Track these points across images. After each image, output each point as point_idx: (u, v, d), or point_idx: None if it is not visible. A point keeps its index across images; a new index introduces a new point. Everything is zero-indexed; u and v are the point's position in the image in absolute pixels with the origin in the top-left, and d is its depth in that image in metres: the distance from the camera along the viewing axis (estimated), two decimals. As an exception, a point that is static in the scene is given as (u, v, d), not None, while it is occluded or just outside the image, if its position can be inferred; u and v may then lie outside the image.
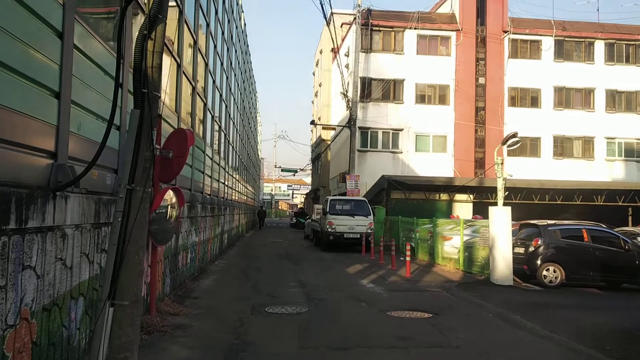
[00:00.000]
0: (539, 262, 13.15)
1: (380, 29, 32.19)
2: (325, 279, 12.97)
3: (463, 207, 25.95)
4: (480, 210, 24.62)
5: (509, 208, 12.53)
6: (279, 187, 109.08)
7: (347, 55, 34.81)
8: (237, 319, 8.12)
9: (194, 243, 12.26)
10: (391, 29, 32.31)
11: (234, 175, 24.93)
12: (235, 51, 24.42)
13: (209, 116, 15.59)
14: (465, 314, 8.88)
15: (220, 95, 18.47)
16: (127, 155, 4.63)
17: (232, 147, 23.84)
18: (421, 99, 32.43)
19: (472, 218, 20.88)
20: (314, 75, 56.16)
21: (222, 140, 19.96)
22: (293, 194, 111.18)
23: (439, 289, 11.57)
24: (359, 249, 20.29)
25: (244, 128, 31.44)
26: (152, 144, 4.71)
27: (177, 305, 8.73)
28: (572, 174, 31.12)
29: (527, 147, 32.93)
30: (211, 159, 15.99)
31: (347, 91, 28.87)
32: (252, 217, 43.90)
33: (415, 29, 32.07)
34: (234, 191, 24.75)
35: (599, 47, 33.49)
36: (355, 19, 30.26)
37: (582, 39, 33.38)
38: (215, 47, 16.44)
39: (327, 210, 20.66)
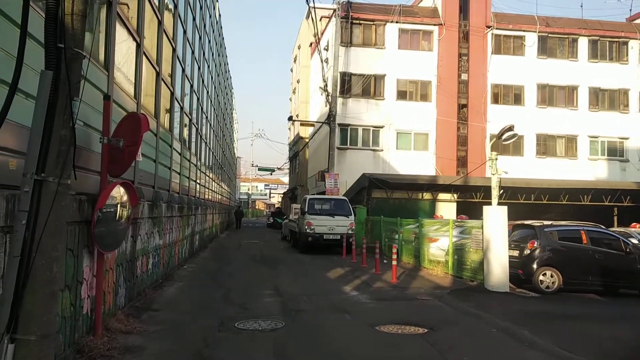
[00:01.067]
0: (535, 266, 12.18)
1: (361, 22, 31.09)
2: (303, 285, 11.78)
3: (446, 207, 24.99)
4: (465, 210, 23.73)
5: (505, 208, 11.49)
6: (256, 187, 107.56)
7: (326, 49, 33.60)
8: (201, 337, 6.88)
9: (157, 246, 10.96)
10: (372, 23, 31.24)
11: (207, 173, 23.58)
12: (209, 41, 23.07)
13: (177, 107, 14.28)
14: (466, 329, 7.76)
15: (191, 86, 17.15)
16: (36, 134, 3.38)
17: (205, 143, 22.51)
18: (402, 95, 31.42)
19: (458, 218, 19.86)
20: (291, 72, 54.90)
21: (194, 135, 18.64)
22: (270, 193, 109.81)
23: (430, 296, 10.46)
24: (339, 251, 19.11)
25: (218, 124, 30.06)
26: (71, 119, 3.46)
27: (131, 321, 7.45)
28: (555, 173, 30.42)
29: (510, 145, 32.04)
30: (180, 154, 14.69)
31: (326, 86, 27.69)
32: (228, 217, 42.53)
33: (396, 22, 31.04)
34: (207, 190, 23.41)
35: (583, 44, 32.87)
36: (335, 11, 29.08)
37: (566, 36, 32.73)
38: (184, 32, 15.13)
39: (306, 209, 19.44)
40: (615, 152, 32.81)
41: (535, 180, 24.96)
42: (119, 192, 6.62)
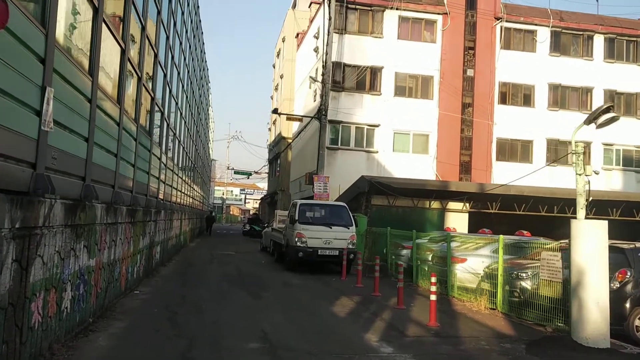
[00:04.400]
0: (628, 305, 8.70)
1: (357, 7, 27.54)
2: (304, 329, 8.03)
3: (457, 218, 21.45)
4: (478, 222, 20.26)
5: (604, 223, 7.90)
6: (231, 191, 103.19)
7: (316, 37, 29.97)
8: None
9: (82, 270, 7.09)
10: (369, 8, 27.71)
11: (176, 171, 19.64)
12: (182, 13, 19.23)
13: (133, 77, 10.48)
14: None
15: (156, 55, 13.28)
16: None
17: (174, 134, 18.62)
18: (401, 90, 27.94)
19: (479, 232, 16.35)
20: (274, 67, 51.08)
21: (159, 122, 14.83)
22: (246, 198, 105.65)
23: (504, 357, 6.80)
24: (337, 269, 15.45)
25: (192, 117, 26.09)
26: None
27: None
28: (566, 183, 27.12)
29: (518, 150, 29.01)
30: (135, 140, 10.85)
31: (323, 75, 24.02)
32: (200, 223, 38.68)
33: (396, 9, 27.60)
34: (174, 190, 19.44)
35: (599, 42, 29.88)
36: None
37: (581, 32, 29.69)
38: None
39: (297, 218, 15.59)
40: (630, 162, 29.86)
41: (561, 189, 21.60)
42: None
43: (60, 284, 6.16)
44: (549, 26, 29.13)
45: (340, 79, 26.96)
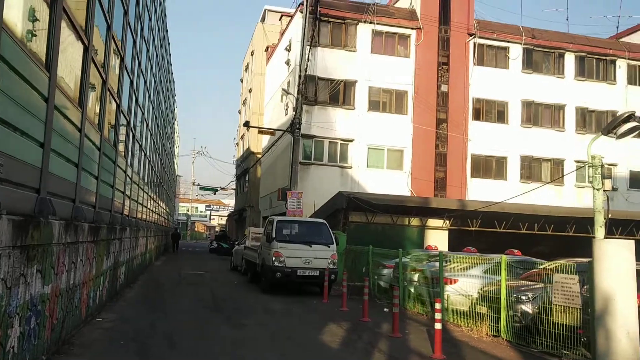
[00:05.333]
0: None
1: (330, 19, 26.91)
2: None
3: (437, 235, 20.75)
4: (459, 240, 19.63)
5: (631, 243, 7.16)
6: (196, 208, 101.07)
7: (288, 49, 29.21)
8: None
9: (35, 300, 5.94)
10: (342, 21, 27.12)
11: (142, 186, 18.40)
12: (150, 19, 18.17)
13: (96, 82, 9.39)
14: None
15: (122, 59, 12.21)
16: None
17: (140, 146, 17.42)
18: (375, 105, 27.34)
19: (464, 250, 15.65)
20: (241, 82, 50.05)
21: (126, 133, 13.73)
22: (211, 215, 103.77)
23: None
24: (315, 290, 14.46)
25: (158, 130, 24.85)
26: None
27: None
28: (539, 200, 26.90)
29: (493, 167, 28.67)
30: (99, 149, 9.72)
31: (299, 84, 23.15)
32: (166, 240, 37.18)
33: (370, 22, 27.07)
34: (140, 206, 18.19)
35: (569, 60, 29.97)
36: (305, 1, 24.73)
37: (552, 50, 29.72)
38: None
39: (273, 235, 14.54)
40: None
41: (544, 206, 21.21)
42: None
43: (5, 319, 5.02)
44: (521, 43, 29.07)
45: (313, 92, 26.16)
